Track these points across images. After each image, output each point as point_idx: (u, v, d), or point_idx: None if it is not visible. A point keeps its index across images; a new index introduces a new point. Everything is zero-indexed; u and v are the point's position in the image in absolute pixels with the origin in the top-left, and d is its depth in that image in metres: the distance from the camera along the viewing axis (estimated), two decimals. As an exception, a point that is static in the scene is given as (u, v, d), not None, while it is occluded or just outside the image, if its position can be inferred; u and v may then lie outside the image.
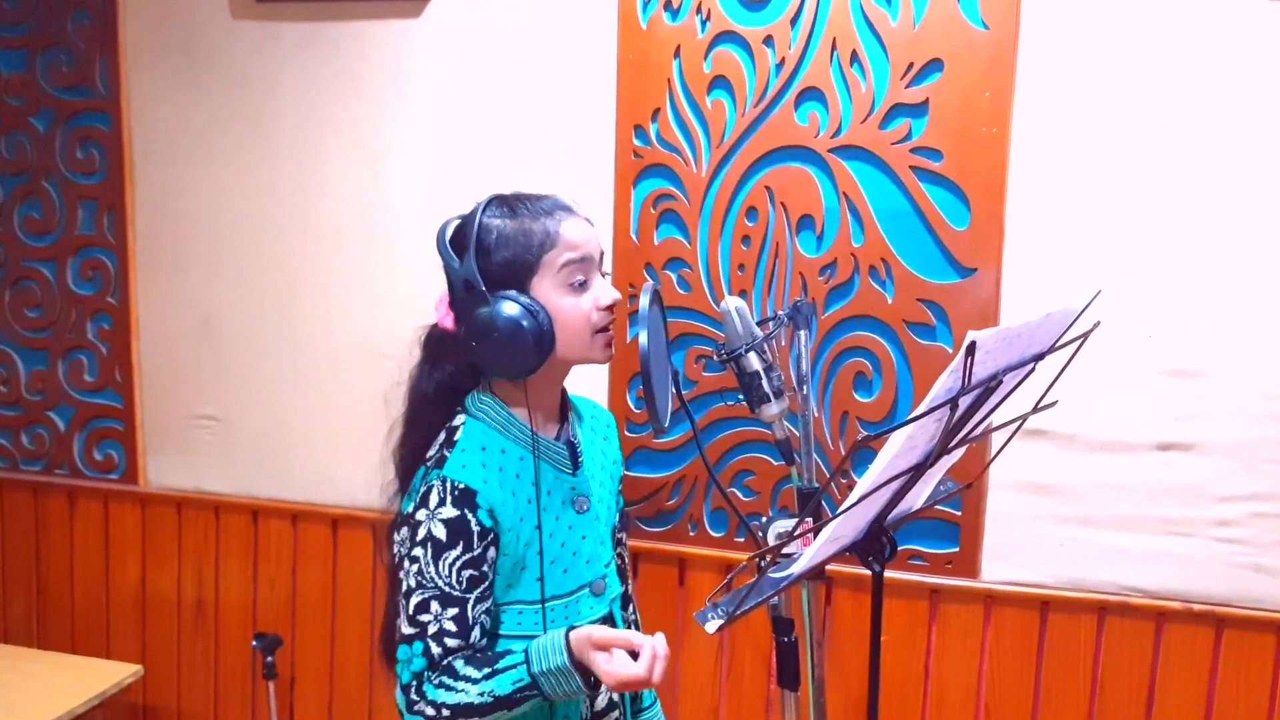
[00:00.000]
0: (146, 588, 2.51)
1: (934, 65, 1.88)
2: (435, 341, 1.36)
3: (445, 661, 1.23)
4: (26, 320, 2.51)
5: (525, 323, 1.23)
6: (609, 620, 1.41)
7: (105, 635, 2.55)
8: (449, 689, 1.22)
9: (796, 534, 1.23)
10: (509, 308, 1.24)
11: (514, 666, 1.21)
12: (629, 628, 1.53)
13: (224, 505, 2.43)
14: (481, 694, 1.20)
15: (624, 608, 1.51)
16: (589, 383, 2.09)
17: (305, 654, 2.41)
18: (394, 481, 1.39)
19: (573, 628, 1.22)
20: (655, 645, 1.16)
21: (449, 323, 1.31)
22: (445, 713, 1.22)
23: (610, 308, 1.31)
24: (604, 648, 1.17)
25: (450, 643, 1.23)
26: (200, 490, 2.44)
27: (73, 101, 2.40)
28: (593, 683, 1.20)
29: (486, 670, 1.22)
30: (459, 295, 1.27)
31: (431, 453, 1.31)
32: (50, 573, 2.58)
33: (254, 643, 2.34)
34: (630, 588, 1.55)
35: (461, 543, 1.23)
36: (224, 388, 2.39)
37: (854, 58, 1.91)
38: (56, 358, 2.50)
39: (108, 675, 2.28)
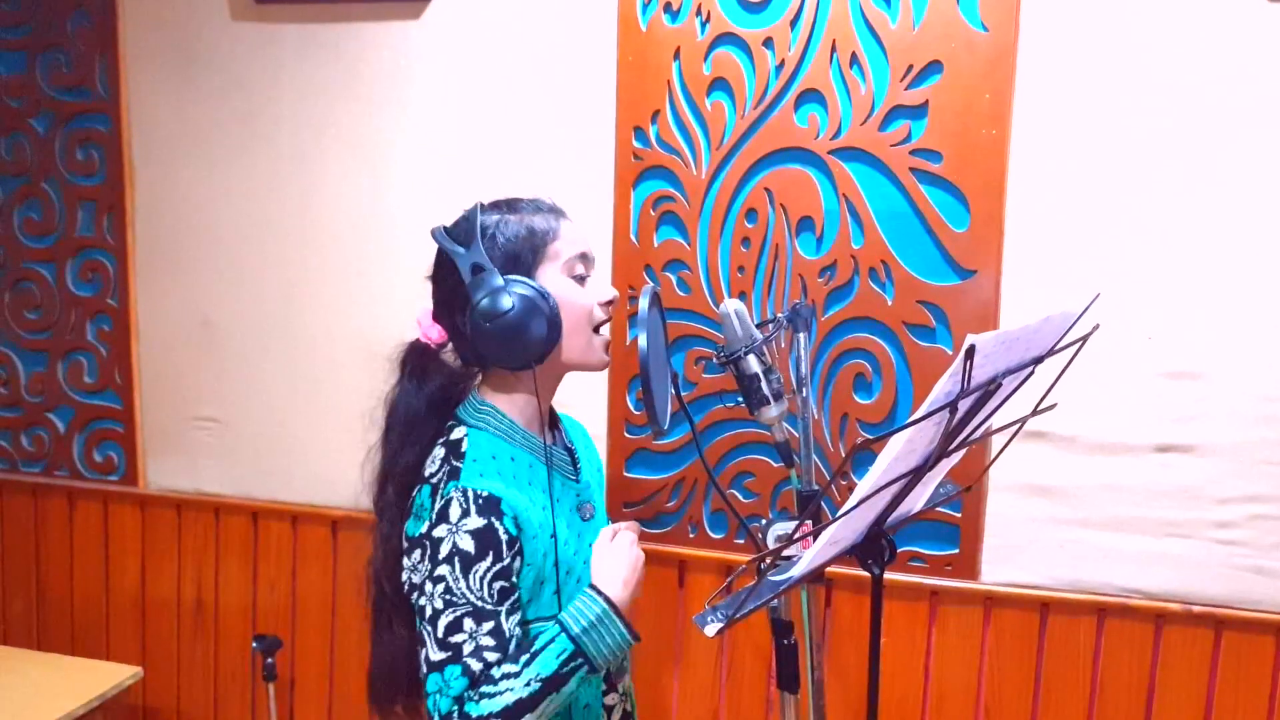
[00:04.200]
0: (146, 589, 2.51)
1: (933, 67, 1.88)
2: (418, 356, 1.33)
3: (485, 676, 1.17)
4: (26, 322, 2.51)
5: (537, 304, 1.22)
6: None
7: (105, 637, 2.55)
8: (491, 697, 1.14)
9: (796, 537, 1.23)
10: (520, 289, 1.23)
11: (553, 640, 1.17)
12: None
13: (223, 507, 2.43)
14: (528, 683, 1.14)
15: None
16: (590, 385, 2.09)
17: (305, 656, 2.41)
18: (379, 508, 1.33)
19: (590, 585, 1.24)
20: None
21: (435, 335, 1.31)
22: None
23: (610, 304, 1.31)
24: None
25: (490, 657, 1.16)
26: (200, 492, 2.44)
27: (72, 103, 2.40)
28: (634, 632, 1.22)
29: (525, 658, 1.16)
30: (467, 280, 1.24)
31: (433, 469, 1.26)
32: (50, 574, 2.58)
33: (254, 644, 2.34)
34: None
35: (491, 553, 1.19)
36: (223, 389, 2.39)
37: (854, 59, 1.91)
38: (56, 359, 2.50)
39: (107, 677, 2.27)
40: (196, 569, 2.47)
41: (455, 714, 1.15)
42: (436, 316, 1.32)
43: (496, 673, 1.16)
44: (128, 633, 2.54)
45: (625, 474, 2.13)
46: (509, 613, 1.19)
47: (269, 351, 2.35)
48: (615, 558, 1.25)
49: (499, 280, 1.22)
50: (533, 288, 1.24)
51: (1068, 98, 1.84)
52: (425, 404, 1.32)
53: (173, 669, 2.52)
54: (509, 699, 1.14)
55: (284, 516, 2.39)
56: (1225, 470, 1.84)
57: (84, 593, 2.56)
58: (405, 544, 1.25)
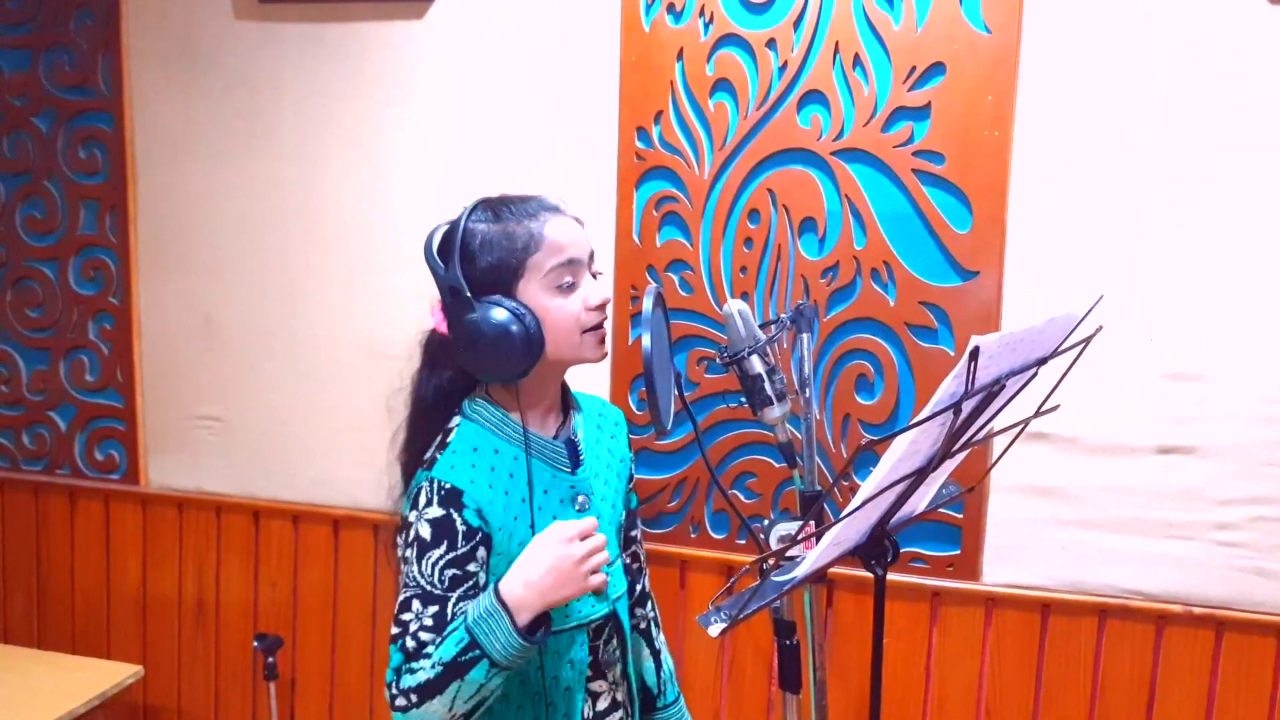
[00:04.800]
0: (147, 588, 2.51)
1: (936, 68, 1.88)
2: (434, 346, 1.36)
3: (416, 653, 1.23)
4: (28, 320, 2.51)
5: (513, 327, 1.23)
6: (613, 619, 1.40)
7: (106, 635, 2.55)
8: (413, 673, 1.20)
9: (800, 538, 1.23)
10: (496, 313, 1.24)
11: (456, 629, 1.20)
12: (647, 626, 1.55)
13: (225, 505, 2.43)
14: (434, 665, 1.19)
15: (642, 604, 1.52)
16: (591, 386, 2.09)
17: (306, 655, 2.42)
18: (399, 485, 1.39)
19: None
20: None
21: (443, 327, 1.32)
22: (414, 698, 1.19)
23: (600, 307, 1.31)
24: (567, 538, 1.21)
25: (425, 637, 1.22)
26: (201, 490, 2.44)
27: (75, 101, 2.40)
28: (529, 629, 1.18)
29: (439, 641, 1.20)
30: (446, 301, 1.28)
31: (426, 455, 1.31)
32: (51, 573, 2.58)
33: (255, 643, 2.34)
34: (647, 584, 1.56)
35: (445, 542, 1.23)
36: (225, 388, 2.39)
37: (856, 61, 1.91)
38: (58, 357, 2.50)
39: (108, 676, 2.28)
40: (198, 568, 2.47)
41: (393, 684, 1.22)
42: (444, 310, 1.33)
43: (424, 651, 1.22)
44: (129, 631, 2.54)
45: (627, 474, 2.13)
46: (459, 599, 1.24)
47: (271, 350, 2.35)
48: (533, 554, 1.21)
49: (474, 305, 1.24)
50: (509, 309, 1.24)
51: (1070, 99, 1.84)
52: (433, 393, 1.35)
53: (174, 668, 2.52)
54: (421, 678, 1.20)
55: (285, 515, 2.39)
56: (1226, 472, 1.85)
57: (85, 591, 2.56)
58: (400, 522, 1.31)
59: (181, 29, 2.31)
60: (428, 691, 1.19)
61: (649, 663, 1.56)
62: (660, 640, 1.58)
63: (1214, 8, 1.77)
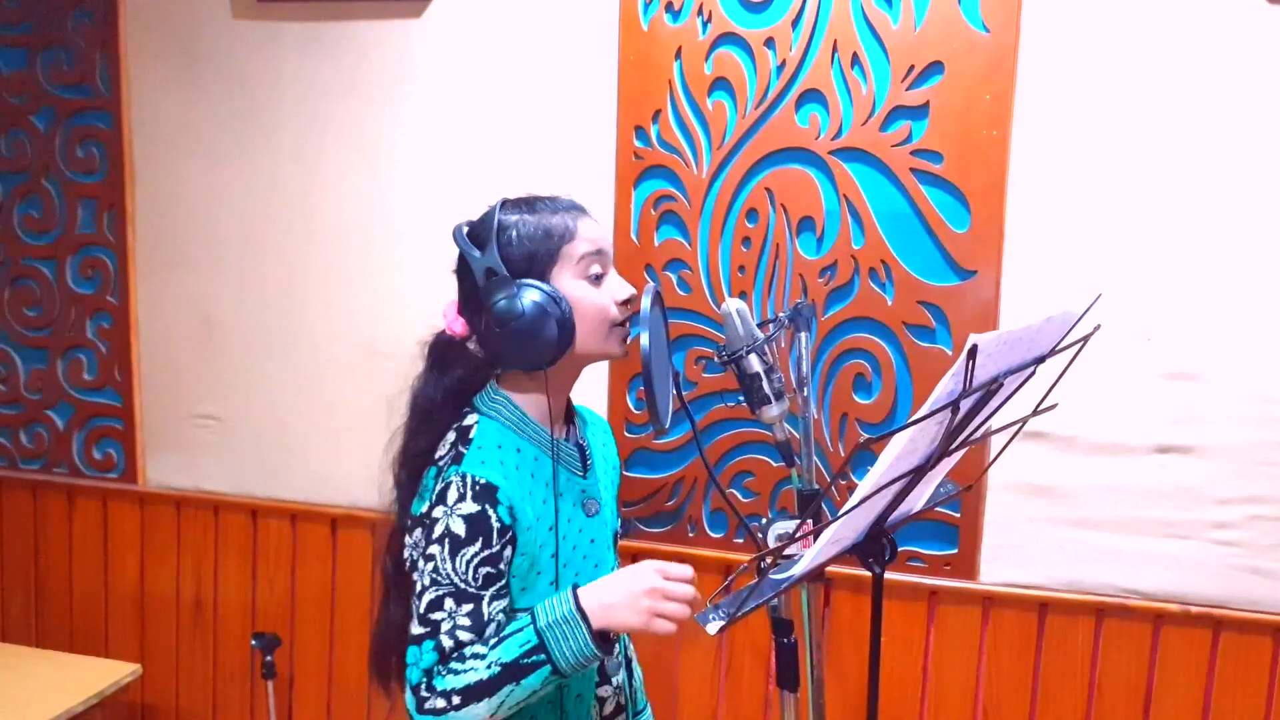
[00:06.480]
0: (145, 587, 2.51)
1: (935, 68, 1.88)
2: (442, 349, 1.35)
3: (455, 653, 1.20)
4: (26, 319, 2.51)
5: (549, 309, 1.23)
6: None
7: (104, 634, 2.55)
8: (457, 673, 1.18)
9: (798, 536, 1.23)
10: (533, 294, 1.24)
11: (520, 629, 1.18)
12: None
13: (223, 505, 2.43)
14: (489, 665, 1.17)
15: None
16: (589, 383, 2.09)
17: (304, 653, 2.42)
18: (394, 489, 1.35)
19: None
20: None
21: (458, 328, 1.31)
22: (456, 700, 1.17)
23: (627, 302, 1.31)
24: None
25: (463, 636, 1.19)
26: (199, 489, 2.44)
27: (73, 100, 2.40)
28: (599, 641, 1.18)
29: (494, 642, 1.18)
30: (481, 285, 1.26)
31: (442, 452, 1.29)
32: (49, 572, 2.58)
33: (253, 642, 2.34)
34: None
35: (480, 539, 1.21)
36: (223, 387, 2.39)
37: (855, 60, 1.91)
38: (56, 356, 2.50)
39: (106, 674, 2.28)
40: (196, 566, 2.47)
41: (423, 685, 1.19)
42: (461, 310, 1.32)
43: (468, 651, 1.19)
44: (127, 630, 2.54)
45: (626, 473, 2.13)
46: (493, 598, 1.22)
47: (269, 349, 2.35)
48: (614, 580, 1.22)
49: (512, 286, 1.24)
50: (545, 293, 1.24)
51: (1068, 99, 1.85)
52: (443, 393, 1.34)
53: (172, 666, 2.52)
54: (470, 678, 1.17)
55: (283, 514, 2.39)
56: (1224, 471, 1.85)
57: (83, 590, 2.56)
58: (410, 522, 1.28)
59: (180, 28, 2.31)
60: (476, 693, 1.17)
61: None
62: (631, 650, 1.57)
63: (1213, 7, 1.77)
